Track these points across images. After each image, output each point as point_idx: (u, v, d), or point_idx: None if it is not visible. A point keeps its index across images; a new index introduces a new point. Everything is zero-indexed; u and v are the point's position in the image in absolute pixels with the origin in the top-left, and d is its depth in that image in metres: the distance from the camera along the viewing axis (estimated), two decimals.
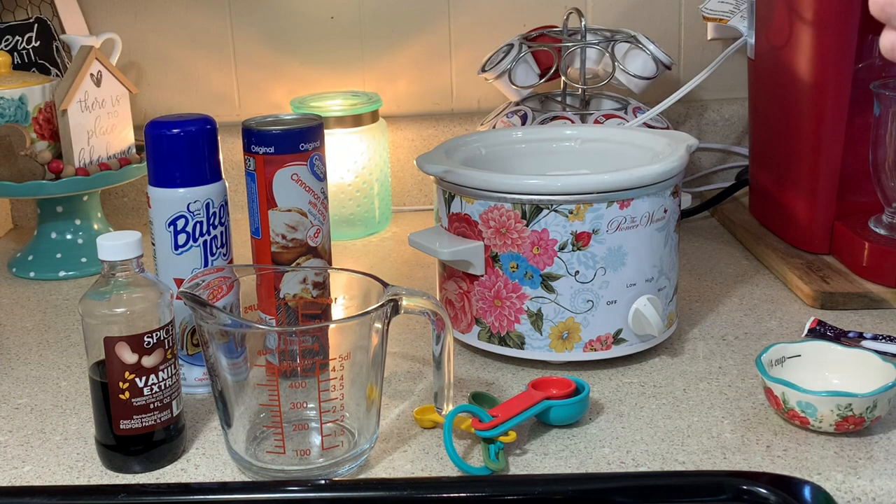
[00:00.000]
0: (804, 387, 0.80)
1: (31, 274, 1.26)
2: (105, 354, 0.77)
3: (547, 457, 0.80)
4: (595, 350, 0.92)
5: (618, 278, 0.91)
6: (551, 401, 0.83)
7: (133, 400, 0.78)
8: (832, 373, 0.86)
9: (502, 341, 0.94)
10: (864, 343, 0.94)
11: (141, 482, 0.78)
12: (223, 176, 0.90)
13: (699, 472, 0.76)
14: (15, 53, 1.34)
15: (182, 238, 0.88)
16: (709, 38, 1.43)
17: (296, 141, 0.88)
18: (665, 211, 0.92)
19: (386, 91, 1.47)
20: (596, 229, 0.89)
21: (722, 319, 1.04)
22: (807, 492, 0.69)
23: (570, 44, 1.26)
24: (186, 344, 0.91)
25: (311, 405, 0.78)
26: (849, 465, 0.77)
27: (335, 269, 0.90)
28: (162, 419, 0.79)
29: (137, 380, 0.78)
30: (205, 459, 0.82)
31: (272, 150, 0.88)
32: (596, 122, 1.23)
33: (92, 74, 1.22)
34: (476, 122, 1.43)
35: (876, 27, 1.08)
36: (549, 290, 0.90)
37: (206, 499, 0.73)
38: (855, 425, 0.80)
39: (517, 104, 1.30)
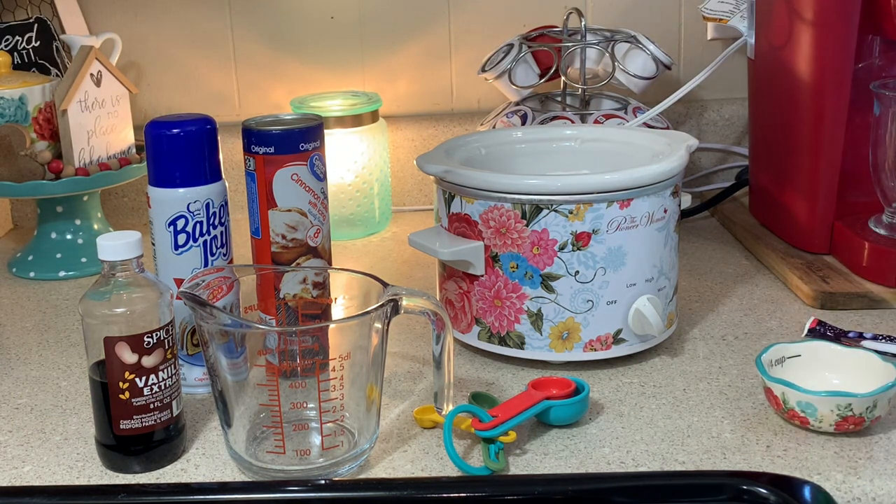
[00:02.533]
0: (804, 387, 0.80)
1: (31, 274, 1.26)
2: (105, 354, 0.77)
3: (547, 457, 0.80)
4: (595, 350, 0.92)
5: (618, 278, 0.91)
6: (551, 401, 0.83)
7: (133, 400, 0.78)
8: (832, 373, 0.86)
9: (502, 341, 0.94)
10: (864, 343, 0.94)
11: (141, 482, 0.78)
12: (223, 176, 0.90)
13: (699, 472, 0.76)
14: (15, 53, 1.34)
15: (182, 238, 0.88)
16: (709, 38, 1.43)
17: (296, 141, 0.88)
18: (665, 211, 0.92)
19: (386, 91, 1.47)
20: (596, 229, 0.89)
21: (722, 319, 1.04)
22: (807, 492, 0.69)
23: (570, 44, 1.26)
24: (186, 344, 0.91)
25: (311, 405, 0.78)
26: (849, 465, 0.77)
27: (335, 269, 0.90)
28: (162, 419, 0.79)
29: (137, 380, 0.78)
30: (205, 459, 0.82)
31: (272, 150, 0.88)
32: (596, 122, 1.23)
33: (92, 74, 1.22)
34: (476, 122, 1.43)
35: (876, 27, 1.08)
36: (549, 290, 0.90)
37: (206, 499, 0.73)
38: (855, 425, 0.80)
39: (517, 104, 1.30)
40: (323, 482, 0.74)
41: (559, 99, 1.31)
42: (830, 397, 0.79)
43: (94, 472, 0.80)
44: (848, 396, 0.78)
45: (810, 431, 0.81)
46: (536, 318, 0.91)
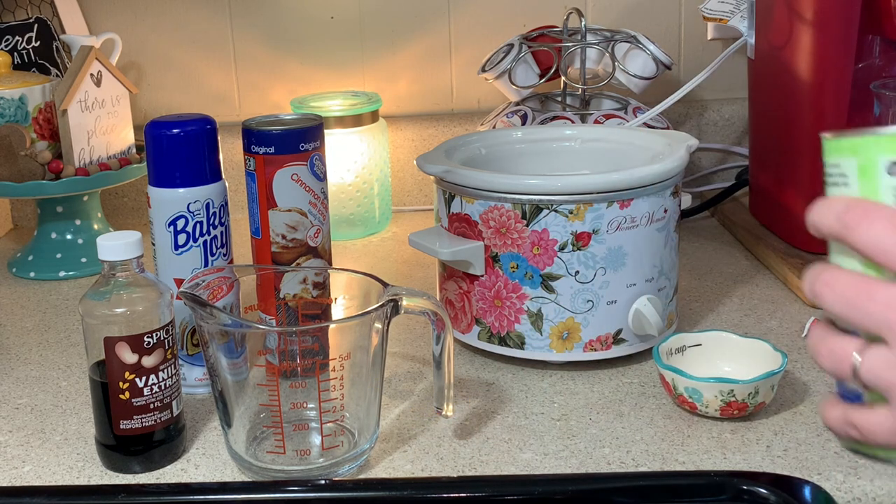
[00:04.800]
0: (692, 374, 0.83)
1: (31, 274, 1.26)
2: (105, 354, 0.77)
3: (547, 457, 0.80)
4: (595, 350, 0.92)
5: (618, 278, 0.91)
6: None
7: (133, 400, 0.78)
8: (726, 361, 0.89)
9: (502, 341, 0.94)
10: None
11: (141, 482, 0.78)
12: (223, 176, 0.90)
13: (699, 472, 0.76)
14: (15, 53, 1.34)
15: (182, 238, 0.88)
16: (709, 38, 1.43)
17: (296, 141, 0.88)
18: (665, 211, 0.92)
19: (386, 91, 1.47)
20: (596, 229, 0.89)
21: (722, 319, 1.04)
22: (807, 492, 0.69)
23: (570, 44, 1.26)
24: (186, 344, 0.91)
25: (311, 405, 0.78)
26: (849, 465, 0.77)
27: (335, 269, 0.90)
28: (162, 419, 0.79)
29: (137, 380, 0.78)
30: (205, 459, 0.82)
31: (272, 150, 0.88)
32: (596, 122, 1.23)
33: (92, 74, 1.22)
34: (476, 122, 1.43)
35: (876, 27, 1.08)
36: (549, 290, 0.90)
37: (206, 499, 0.73)
38: (739, 410, 0.82)
39: (517, 104, 1.30)
40: (323, 482, 0.74)
41: (559, 99, 1.31)
42: (714, 383, 0.82)
43: (94, 472, 0.80)
44: (730, 383, 0.81)
45: (699, 416, 0.84)
46: (536, 318, 0.91)
